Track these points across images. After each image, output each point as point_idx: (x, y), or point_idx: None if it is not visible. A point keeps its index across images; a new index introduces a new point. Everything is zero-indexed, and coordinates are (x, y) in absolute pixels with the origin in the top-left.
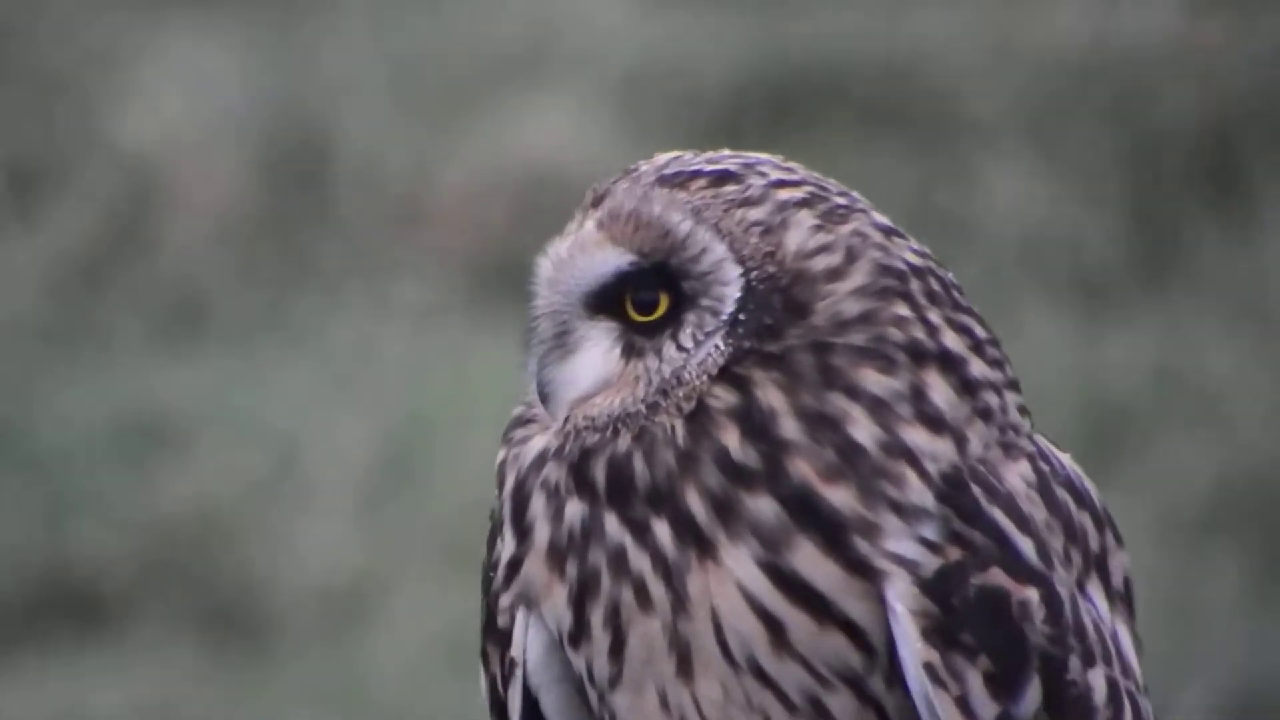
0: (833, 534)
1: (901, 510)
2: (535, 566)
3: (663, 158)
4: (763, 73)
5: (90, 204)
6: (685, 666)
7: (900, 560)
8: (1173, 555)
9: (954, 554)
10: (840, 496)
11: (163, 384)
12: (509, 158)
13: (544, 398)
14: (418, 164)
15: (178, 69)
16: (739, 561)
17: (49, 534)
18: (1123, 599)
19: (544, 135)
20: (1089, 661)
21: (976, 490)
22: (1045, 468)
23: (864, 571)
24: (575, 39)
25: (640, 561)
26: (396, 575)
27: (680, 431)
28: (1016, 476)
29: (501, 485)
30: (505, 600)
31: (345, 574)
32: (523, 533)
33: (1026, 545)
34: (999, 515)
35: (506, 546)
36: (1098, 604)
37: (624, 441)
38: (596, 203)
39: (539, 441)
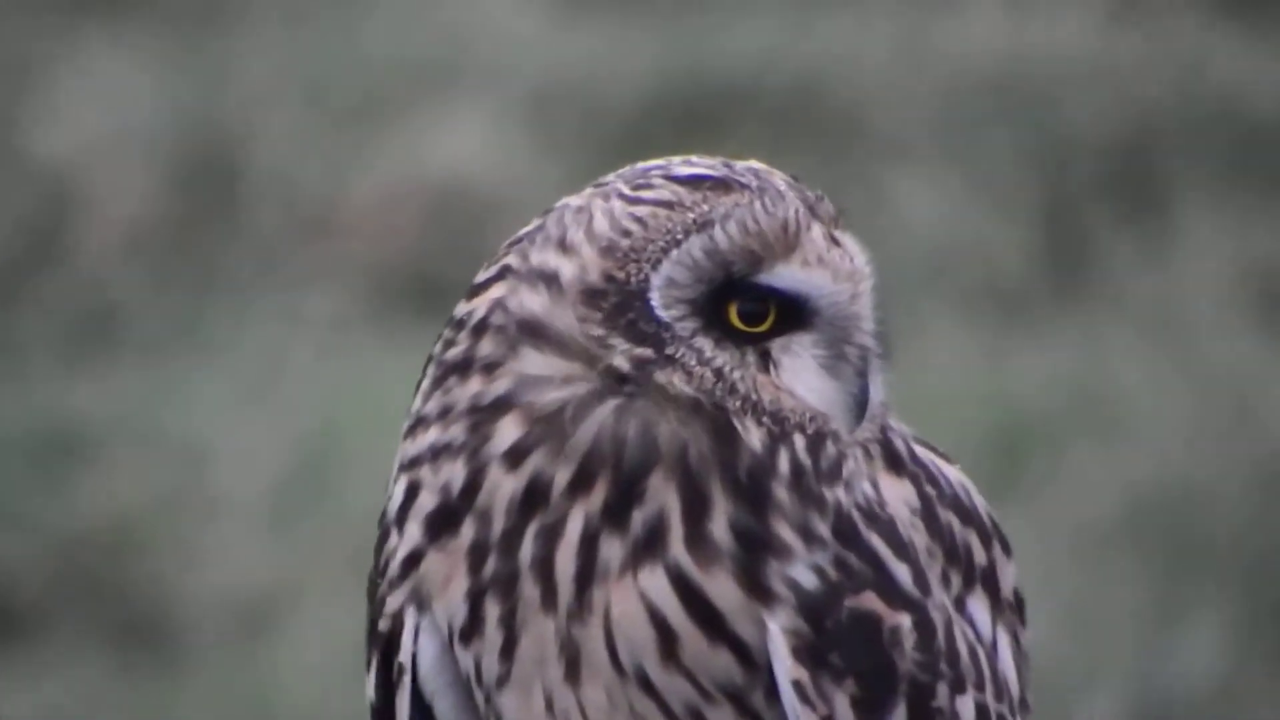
0: (755, 557)
1: (811, 538)
2: (436, 560)
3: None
4: (672, 85)
5: (3, 216)
6: (574, 671)
7: (794, 585)
8: (1080, 567)
9: (832, 576)
10: (785, 529)
11: (74, 395)
12: (420, 170)
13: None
14: (329, 176)
15: (91, 81)
16: (651, 572)
17: None
18: (1012, 607)
19: (455, 147)
20: (959, 688)
21: (856, 515)
22: (931, 491)
23: (761, 594)
24: (486, 52)
25: (566, 564)
26: (306, 585)
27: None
28: (900, 501)
29: (403, 483)
30: (394, 601)
31: (255, 584)
32: (438, 527)
33: (903, 572)
34: (877, 541)
35: (406, 540)
36: (979, 620)
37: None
38: (836, 219)
39: (509, 435)
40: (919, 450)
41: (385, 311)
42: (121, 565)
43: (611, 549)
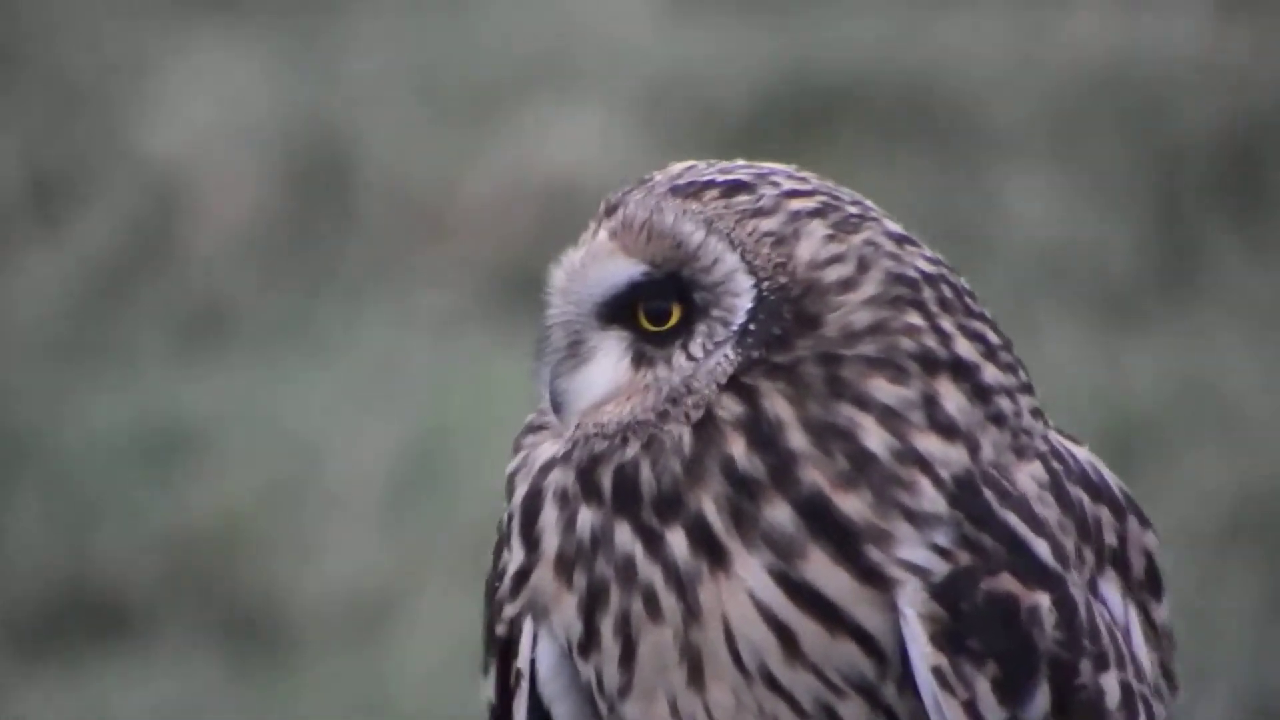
0: (845, 542)
1: (915, 518)
2: (544, 576)
3: (677, 168)
4: (785, 83)
5: (114, 214)
6: (697, 675)
7: (913, 568)
8: (1193, 567)
9: (964, 559)
10: (853, 505)
11: (186, 393)
12: (532, 167)
13: (556, 407)
14: (441, 173)
15: (202, 78)
16: (751, 571)
17: (73, 543)
18: (1146, 581)
19: (567, 145)
20: (1102, 665)
21: (988, 494)
22: (1058, 466)
23: (876, 580)
24: (599, 49)
25: (650, 572)
26: (419, 582)
27: (687, 440)
28: (1028, 478)
29: (511, 494)
30: (510, 610)
31: (368, 581)
32: (532, 542)
33: (1042, 547)
34: (1012, 518)
35: (514, 557)
36: (1111, 602)
37: (631, 449)
38: (610, 212)
39: (548, 448)
40: (1051, 434)
41: (497, 310)
42: (232, 562)
43: (678, 542)
